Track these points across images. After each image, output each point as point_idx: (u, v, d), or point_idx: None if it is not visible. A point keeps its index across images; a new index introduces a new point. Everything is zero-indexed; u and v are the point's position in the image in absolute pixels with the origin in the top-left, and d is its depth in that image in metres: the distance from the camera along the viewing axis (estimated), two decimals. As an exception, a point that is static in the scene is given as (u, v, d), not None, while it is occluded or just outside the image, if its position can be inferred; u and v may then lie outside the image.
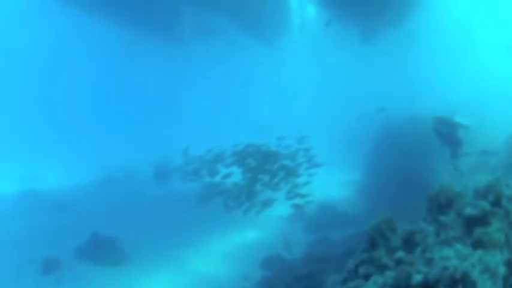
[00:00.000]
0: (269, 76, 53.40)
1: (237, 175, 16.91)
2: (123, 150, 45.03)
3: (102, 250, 18.29)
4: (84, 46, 50.02)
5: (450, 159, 15.87)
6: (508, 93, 23.38)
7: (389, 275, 5.61)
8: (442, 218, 6.36)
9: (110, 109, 65.40)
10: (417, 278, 5.21)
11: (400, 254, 5.98)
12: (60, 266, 17.60)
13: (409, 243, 6.29)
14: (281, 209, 18.92)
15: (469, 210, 6.29)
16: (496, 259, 5.42)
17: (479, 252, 5.49)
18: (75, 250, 18.61)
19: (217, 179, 17.42)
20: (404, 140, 20.40)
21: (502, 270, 5.41)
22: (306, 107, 50.89)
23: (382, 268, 6.03)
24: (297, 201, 15.61)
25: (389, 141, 22.06)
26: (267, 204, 15.38)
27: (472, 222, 6.15)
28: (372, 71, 36.47)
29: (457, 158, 15.68)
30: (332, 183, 27.32)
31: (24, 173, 37.03)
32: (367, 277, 6.11)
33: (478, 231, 5.89)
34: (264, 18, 36.14)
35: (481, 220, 6.13)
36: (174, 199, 24.37)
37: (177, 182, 22.91)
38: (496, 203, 6.42)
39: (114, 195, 27.95)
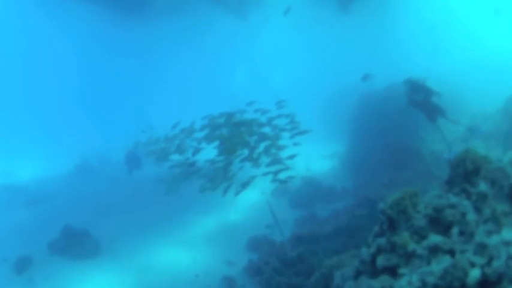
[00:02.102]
0: (243, 49, 51.83)
1: (210, 150, 15.24)
2: (96, 136, 43.63)
3: (74, 244, 16.88)
4: (47, 28, 47.63)
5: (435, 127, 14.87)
6: (496, 57, 22.57)
7: (428, 270, 4.20)
8: (482, 188, 4.91)
9: (79, 93, 63.19)
10: (474, 274, 3.78)
11: (435, 238, 4.54)
12: (33, 263, 16.20)
13: (437, 223, 4.88)
14: (263, 183, 17.35)
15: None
16: None
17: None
18: (47, 245, 17.14)
19: (187, 156, 15.67)
20: (388, 109, 19.37)
21: None
22: (282, 78, 49.65)
23: (408, 258, 4.60)
24: (280, 176, 14.07)
25: (371, 111, 20.98)
26: (247, 183, 13.76)
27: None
28: (350, 40, 35.42)
29: (435, 124, 14.59)
30: (315, 155, 26.04)
31: (-4, 169, 35.26)
32: (389, 270, 4.69)
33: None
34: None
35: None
36: (148, 184, 22.87)
37: (150, 165, 21.33)
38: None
39: (88, 185, 26.54)
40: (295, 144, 14.44)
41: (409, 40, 30.44)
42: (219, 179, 13.92)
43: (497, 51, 23.86)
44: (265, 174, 13.96)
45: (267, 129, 14.92)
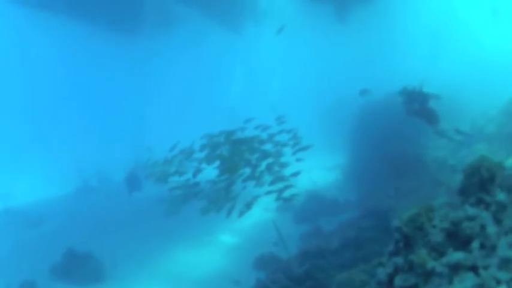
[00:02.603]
0: (239, 61, 51.66)
1: (210, 171, 14.57)
2: (95, 153, 43.23)
3: (78, 268, 16.62)
4: (43, 44, 47.50)
5: (436, 133, 14.61)
6: (495, 59, 22.38)
7: (452, 290, 3.92)
8: (500, 197, 4.65)
9: (76, 110, 62.83)
10: (503, 293, 3.52)
11: (455, 255, 4.26)
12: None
13: (455, 237, 4.62)
14: (266, 200, 17.04)
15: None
16: None
17: None
18: (50, 269, 16.91)
19: (187, 177, 15.31)
20: (388, 118, 19.12)
21: None
22: (279, 89, 49.41)
23: (427, 276, 4.32)
24: (284, 194, 13.75)
25: (372, 120, 20.72)
26: (250, 203, 13.42)
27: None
28: (347, 50, 35.25)
29: (438, 132, 14.33)
30: (317, 168, 25.69)
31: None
32: (408, 291, 4.41)
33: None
34: (230, 3, 34.37)
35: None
36: (150, 204, 22.48)
37: (151, 185, 21.05)
38: None
39: (89, 206, 26.17)
40: (298, 160, 14.17)
41: (408, 45, 30.26)
42: (222, 200, 13.60)
43: (496, 52, 23.69)
44: (268, 193, 13.65)
45: (268, 146, 14.59)
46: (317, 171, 25.63)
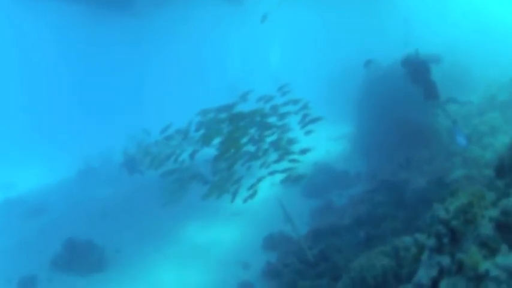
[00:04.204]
0: (238, 33, 50.58)
1: (210, 151, 13.28)
2: (96, 136, 42.61)
3: (79, 257, 15.96)
4: (37, 30, 46.60)
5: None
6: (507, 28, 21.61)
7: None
8: None
9: (75, 94, 62.23)
10: None
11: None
12: (37, 282, 15.26)
13: (507, 229, 3.85)
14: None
15: None
16: None
17: None
18: (51, 261, 16.21)
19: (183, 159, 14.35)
20: (396, 86, 18.25)
21: None
22: (282, 61, 48.47)
23: (479, 281, 3.56)
24: (291, 174, 12.88)
25: (379, 89, 19.87)
26: (255, 186, 12.53)
27: None
28: (350, 16, 34.36)
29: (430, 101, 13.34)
30: (323, 139, 24.83)
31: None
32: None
33: None
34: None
35: None
36: (152, 188, 21.73)
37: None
38: None
39: (90, 191, 25.44)
40: (308, 133, 13.24)
41: (412, 12, 29.30)
42: (224, 183, 12.69)
43: (507, 21, 22.86)
44: (273, 173, 12.79)
45: (272, 119, 13.54)
46: (324, 142, 24.85)
